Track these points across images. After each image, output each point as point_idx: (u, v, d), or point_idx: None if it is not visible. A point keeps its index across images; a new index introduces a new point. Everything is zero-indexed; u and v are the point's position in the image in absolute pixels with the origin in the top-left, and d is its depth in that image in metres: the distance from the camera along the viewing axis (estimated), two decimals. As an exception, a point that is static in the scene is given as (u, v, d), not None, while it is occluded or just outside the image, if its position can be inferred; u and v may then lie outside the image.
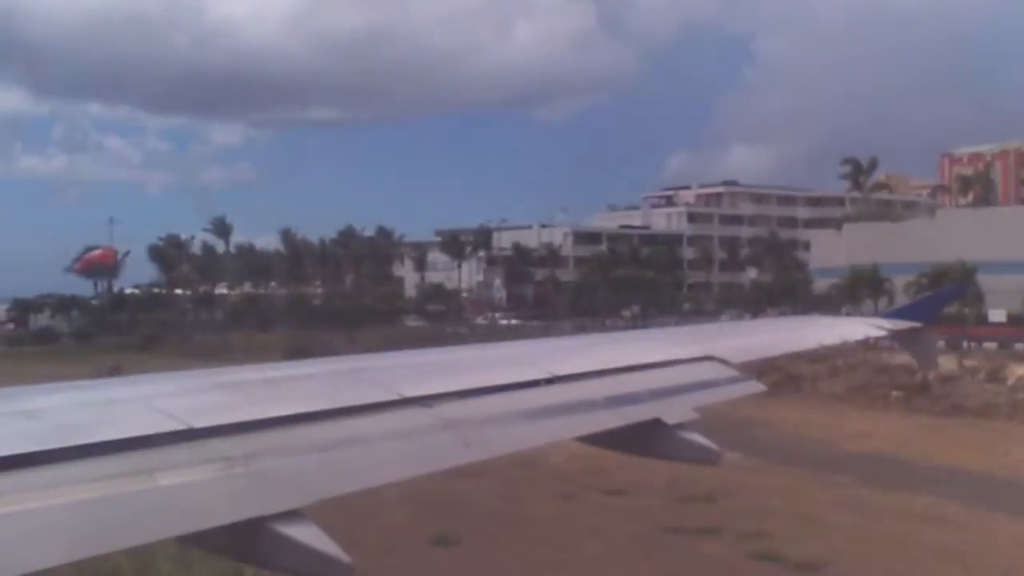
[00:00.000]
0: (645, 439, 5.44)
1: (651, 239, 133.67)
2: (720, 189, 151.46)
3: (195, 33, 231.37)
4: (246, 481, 3.45)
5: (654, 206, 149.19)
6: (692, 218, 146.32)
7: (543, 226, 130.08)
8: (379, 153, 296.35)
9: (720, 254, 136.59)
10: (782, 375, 49.26)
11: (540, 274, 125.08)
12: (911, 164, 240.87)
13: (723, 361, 6.68)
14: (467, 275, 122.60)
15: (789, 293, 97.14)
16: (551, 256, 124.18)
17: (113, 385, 4.57)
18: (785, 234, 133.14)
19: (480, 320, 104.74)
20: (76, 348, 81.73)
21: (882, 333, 10.00)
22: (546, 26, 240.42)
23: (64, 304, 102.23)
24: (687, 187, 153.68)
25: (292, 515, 3.38)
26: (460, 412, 4.48)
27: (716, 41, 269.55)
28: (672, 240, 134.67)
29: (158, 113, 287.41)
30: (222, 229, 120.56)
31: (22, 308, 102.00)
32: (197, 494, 3.30)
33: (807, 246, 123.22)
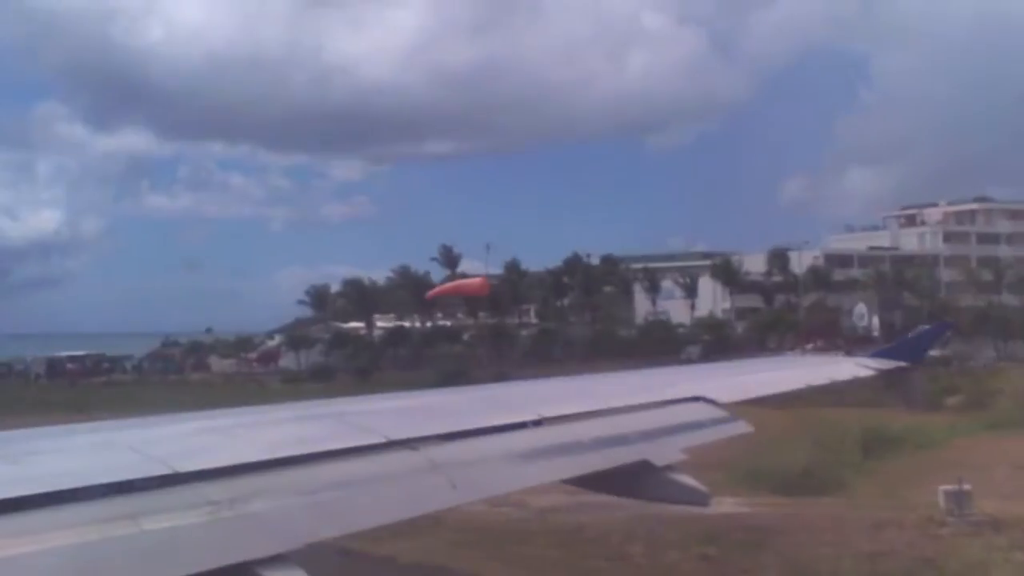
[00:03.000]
0: (633, 481, 5.43)
1: (902, 260, 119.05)
2: (973, 206, 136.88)
3: (314, 71, 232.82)
4: (232, 525, 3.42)
5: (902, 226, 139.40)
6: (946, 237, 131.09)
7: (788, 251, 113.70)
8: (495, 184, 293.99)
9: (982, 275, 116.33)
10: None
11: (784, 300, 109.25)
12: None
13: (711, 402, 6.70)
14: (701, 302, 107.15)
15: None
16: (815, 280, 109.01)
17: (103, 429, 4.55)
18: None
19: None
20: (357, 384, 73.69)
21: (870, 373, 10.03)
22: (658, 54, 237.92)
23: (338, 339, 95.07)
24: (933, 204, 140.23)
25: (278, 560, 3.36)
26: (446, 455, 4.47)
27: (831, 62, 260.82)
28: (927, 261, 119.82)
29: (278, 151, 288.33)
30: (449, 258, 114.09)
31: (293, 343, 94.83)
32: (181, 539, 3.28)
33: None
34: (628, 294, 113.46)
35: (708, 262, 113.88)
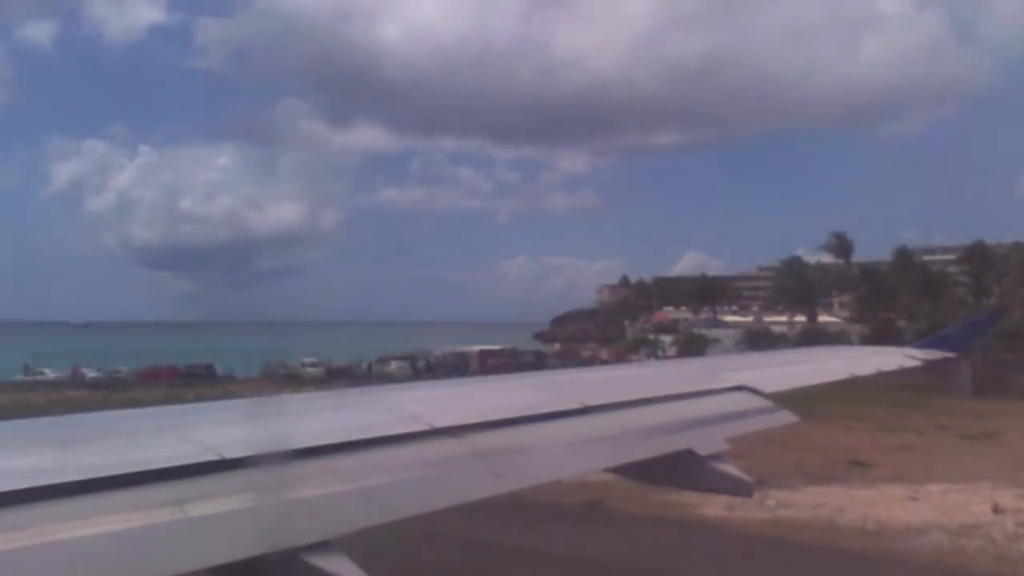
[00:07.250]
0: (677, 470, 5.40)
1: None
2: None
3: (542, 65, 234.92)
4: (277, 511, 3.44)
5: None
6: None
7: None
8: (722, 176, 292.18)
9: None
10: None
11: None
12: None
13: (755, 391, 6.64)
14: None
15: None
16: None
17: (151, 415, 4.60)
18: None
19: None
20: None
21: (916, 363, 9.89)
22: (894, 38, 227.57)
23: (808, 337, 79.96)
24: None
25: (323, 547, 3.37)
26: (491, 442, 4.46)
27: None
28: None
29: (506, 144, 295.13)
30: (842, 247, 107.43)
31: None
32: (227, 525, 3.30)
33: None
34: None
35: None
